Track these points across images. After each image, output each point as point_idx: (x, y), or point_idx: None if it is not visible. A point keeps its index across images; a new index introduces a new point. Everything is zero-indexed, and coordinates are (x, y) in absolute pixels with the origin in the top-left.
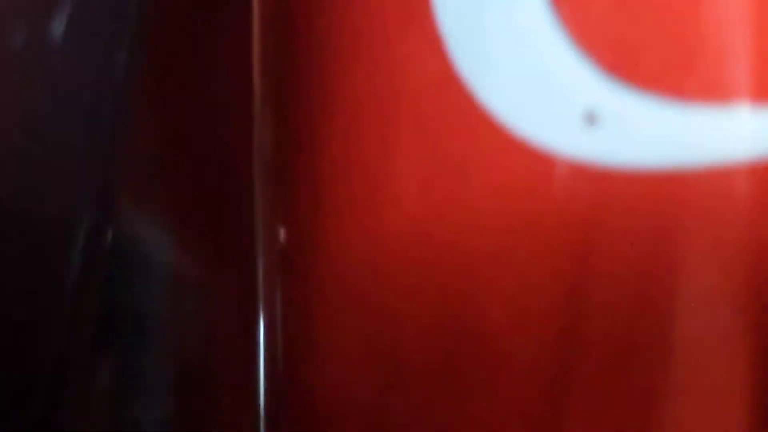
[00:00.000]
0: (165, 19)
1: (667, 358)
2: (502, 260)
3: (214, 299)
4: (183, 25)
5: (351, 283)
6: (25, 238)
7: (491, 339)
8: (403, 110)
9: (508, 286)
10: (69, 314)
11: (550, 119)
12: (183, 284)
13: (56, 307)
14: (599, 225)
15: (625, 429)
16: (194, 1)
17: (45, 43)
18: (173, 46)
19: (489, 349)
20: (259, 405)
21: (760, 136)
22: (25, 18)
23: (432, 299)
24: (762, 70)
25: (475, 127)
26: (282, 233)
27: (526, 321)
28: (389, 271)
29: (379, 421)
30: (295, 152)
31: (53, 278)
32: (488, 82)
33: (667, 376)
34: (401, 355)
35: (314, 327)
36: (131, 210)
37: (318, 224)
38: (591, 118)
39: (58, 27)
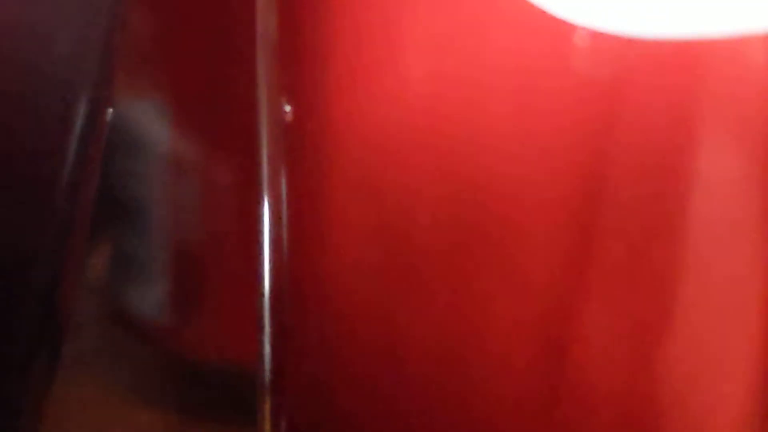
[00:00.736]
0: None
1: (686, 238)
2: (518, 138)
3: (214, 184)
4: None
5: (358, 162)
6: (22, 120)
7: (505, 218)
8: None
9: (524, 165)
10: (69, 193)
11: None
12: (181, 168)
13: (57, 182)
14: (619, 94)
15: (642, 314)
16: None
17: None
18: None
19: (504, 230)
20: (263, 292)
21: None
22: None
23: (443, 178)
24: None
25: None
26: (287, 112)
27: (543, 200)
28: (399, 145)
29: (388, 309)
30: (301, 27)
31: (53, 157)
32: None
33: (687, 258)
34: (412, 239)
35: (321, 211)
36: (128, 92)
37: (324, 100)
38: None
39: None
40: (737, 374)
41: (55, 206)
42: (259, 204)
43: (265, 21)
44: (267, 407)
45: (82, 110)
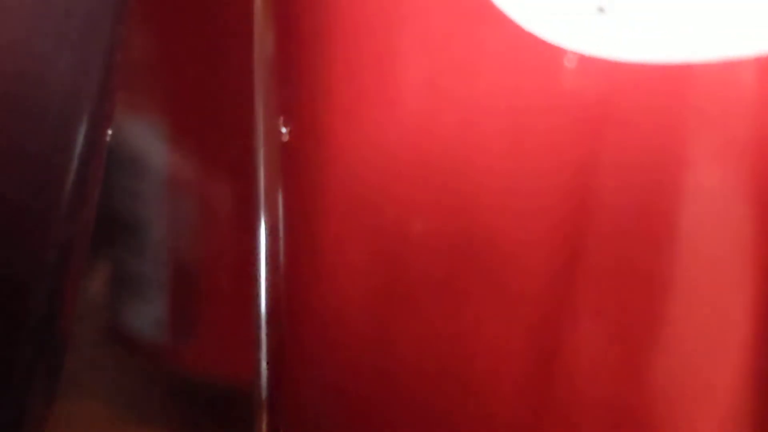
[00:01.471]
0: None
1: (673, 252)
2: (510, 156)
3: (212, 202)
4: None
5: (355, 182)
6: (22, 139)
7: (498, 236)
8: (409, 4)
9: (516, 183)
10: (68, 212)
11: (560, 10)
12: (179, 187)
13: (57, 201)
14: (608, 117)
15: (630, 327)
16: None
17: None
18: None
19: (495, 247)
20: (260, 310)
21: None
22: None
23: (438, 198)
24: None
25: (483, 20)
26: (284, 132)
27: (533, 216)
28: (394, 169)
29: (382, 327)
30: (298, 47)
31: (53, 176)
32: None
33: (674, 271)
34: (407, 257)
35: (317, 230)
36: (127, 112)
37: (321, 121)
38: (600, 9)
39: None
40: (724, 384)
41: (54, 225)
42: (256, 223)
43: (263, 42)
44: (263, 425)
45: (82, 129)
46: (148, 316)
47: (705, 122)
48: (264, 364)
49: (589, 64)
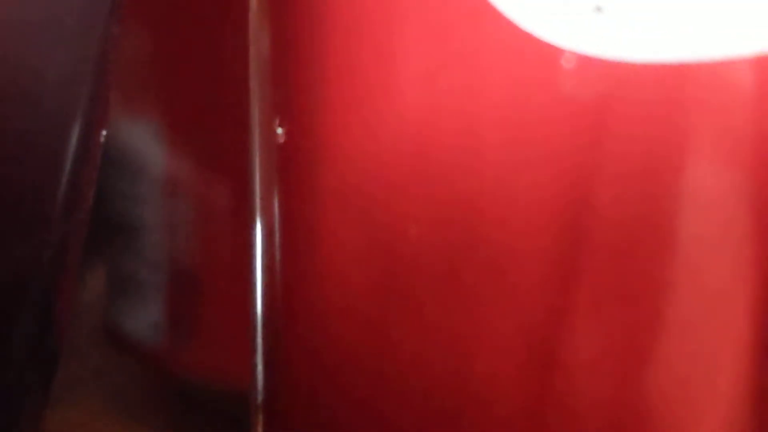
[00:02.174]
0: None
1: (672, 251)
2: (508, 154)
3: (207, 203)
4: None
5: (351, 184)
6: (16, 142)
7: (496, 235)
8: (404, 6)
9: (515, 180)
10: (63, 215)
11: (558, 9)
12: (174, 188)
13: (51, 204)
14: (606, 116)
15: (630, 329)
16: None
17: None
18: None
19: (495, 246)
20: (255, 313)
21: (762, 29)
22: None
23: (435, 198)
24: None
25: (481, 19)
26: (280, 134)
27: (533, 216)
28: (391, 169)
29: (379, 328)
30: (294, 48)
31: (48, 179)
32: None
33: (674, 271)
34: (404, 260)
35: (313, 232)
36: (121, 114)
37: (317, 122)
38: (598, 8)
39: None
40: (725, 385)
41: (49, 228)
42: (251, 225)
43: (258, 43)
44: (260, 428)
45: (76, 132)
46: (144, 317)
47: (704, 121)
48: (260, 367)
49: (586, 63)
